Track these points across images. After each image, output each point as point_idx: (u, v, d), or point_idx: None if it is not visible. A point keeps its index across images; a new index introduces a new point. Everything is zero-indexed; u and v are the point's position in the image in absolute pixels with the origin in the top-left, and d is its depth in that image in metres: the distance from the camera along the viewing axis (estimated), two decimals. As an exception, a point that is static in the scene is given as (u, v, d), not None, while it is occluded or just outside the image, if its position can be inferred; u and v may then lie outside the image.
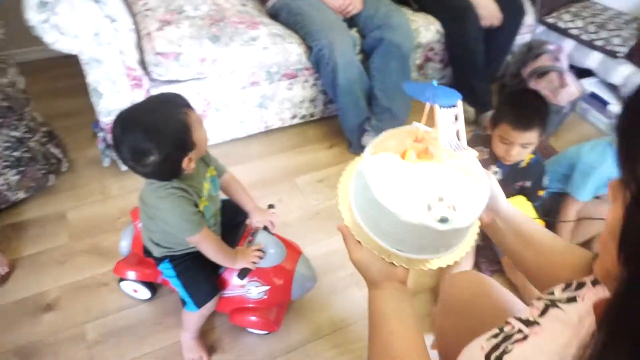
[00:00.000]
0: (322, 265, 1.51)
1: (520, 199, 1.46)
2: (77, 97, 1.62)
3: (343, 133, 1.97)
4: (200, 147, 1.02)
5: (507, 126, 1.34)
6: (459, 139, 0.63)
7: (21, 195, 1.56)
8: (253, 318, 1.27)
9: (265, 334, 1.33)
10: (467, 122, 2.18)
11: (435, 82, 0.62)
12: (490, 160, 1.46)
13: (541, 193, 1.52)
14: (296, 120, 2.03)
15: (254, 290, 1.25)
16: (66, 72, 2.07)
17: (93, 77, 1.54)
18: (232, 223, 1.32)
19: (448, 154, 0.64)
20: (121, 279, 1.35)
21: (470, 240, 0.67)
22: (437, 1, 2.05)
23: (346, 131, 1.95)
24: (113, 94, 1.57)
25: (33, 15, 1.38)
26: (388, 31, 1.82)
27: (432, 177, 0.62)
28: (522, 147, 1.37)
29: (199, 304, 1.18)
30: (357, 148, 1.98)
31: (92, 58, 1.51)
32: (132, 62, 1.57)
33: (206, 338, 1.32)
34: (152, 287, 1.37)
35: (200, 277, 1.19)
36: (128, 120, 0.95)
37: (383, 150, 0.65)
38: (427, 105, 0.62)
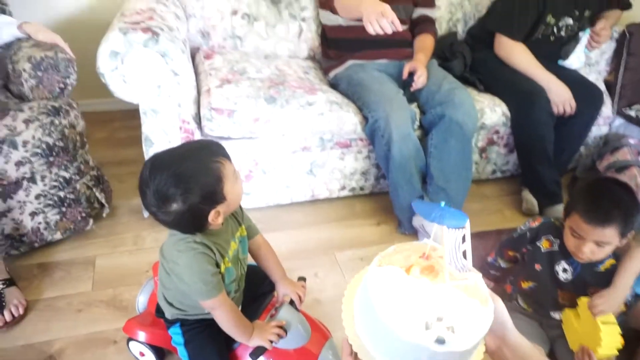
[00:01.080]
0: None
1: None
2: (133, 147, 1.65)
3: (393, 211, 1.83)
4: (231, 202, 0.94)
5: (579, 218, 1.14)
6: (465, 259, 0.63)
7: (57, 236, 1.54)
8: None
9: None
10: (529, 214, 2.02)
11: (443, 204, 0.66)
12: (560, 254, 1.24)
13: (624, 309, 1.25)
14: (345, 192, 1.93)
15: (270, 374, 1.08)
16: (128, 124, 2.15)
17: (147, 126, 1.55)
18: (257, 292, 1.19)
19: (452, 274, 0.63)
20: (130, 339, 1.23)
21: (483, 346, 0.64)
22: (504, 83, 1.96)
23: (396, 209, 1.81)
24: (164, 143, 1.57)
25: (103, 63, 1.43)
26: (450, 108, 1.73)
27: (433, 295, 0.61)
28: (596, 245, 1.15)
29: (205, 384, 1.03)
30: (406, 229, 1.82)
31: (151, 108, 1.53)
32: (187, 115, 1.58)
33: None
34: (161, 354, 1.24)
35: (210, 350, 1.04)
36: (158, 162, 0.89)
37: (389, 263, 0.65)
38: (435, 226, 0.63)
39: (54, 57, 1.48)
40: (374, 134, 1.72)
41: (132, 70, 1.45)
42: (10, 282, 1.39)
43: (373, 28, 1.54)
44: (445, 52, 2.10)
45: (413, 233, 1.83)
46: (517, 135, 1.99)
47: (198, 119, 1.61)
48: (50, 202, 1.49)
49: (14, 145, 1.35)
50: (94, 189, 1.62)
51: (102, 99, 2.20)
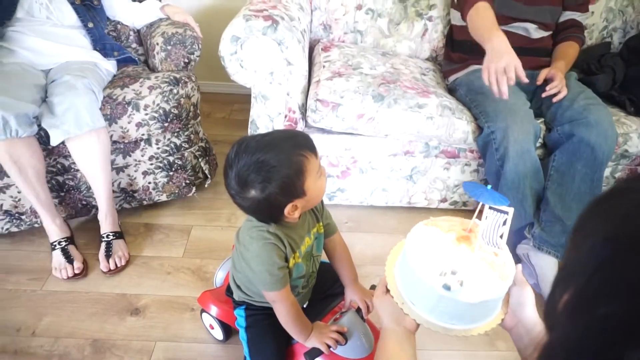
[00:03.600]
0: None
1: None
2: (246, 129, 1.73)
3: (496, 233, 1.65)
4: (311, 198, 0.90)
5: None
6: (500, 239, 0.70)
7: (163, 197, 1.67)
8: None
9: None
10: None
11: (489, 186, 0.71)
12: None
13: None
14: (445, 205, 1.79)
15: (324, 378, 1.04)
16: (246, 107, 2.24)
17: (255, 110, 1.60)
18: (328, 292, 1.15)
19: (483, 247, 0.71)
20: (203, 310, 1.28)
21: (480, 328, 0.71)
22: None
23: (501, 232, 1.63)
24: (267, 129, 1.60)
25: (225, 47, 1.50)
26: (582, 127, 1.49)
27: (458, 256, 0.71)
28: None
29: (255, 369, 1.02)
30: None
31: (261, 94, 1.57)
32: (294, 104, 1.59)
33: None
34: (228, 330, 1.27)
35: (269, 339, 1.03)
36: (244, 146, 0.89)
37: (434, 225, 0.77)
38: (478, 208, 0.71)
39: (183, 33, 1.61)
40: (488, 145, 1.55)
41: (249, 56, 1.50)
42: (119, 235, 1.54)
43: (489, 79, 1.41)
44: (591, 65, 1.82)
45: (516, 261, 1.62)
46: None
47: (304, 109, 1.61)
48: (161, 164, 1.62)
49: (137, 108, 1.49)
50: (200, 159, 1.73)
51: (226, 82, 2.35)
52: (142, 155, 1.59)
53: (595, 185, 1.52)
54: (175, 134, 1.61)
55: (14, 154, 1.30)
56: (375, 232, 1.72)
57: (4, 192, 1.45)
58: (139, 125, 1.51)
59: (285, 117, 1.59)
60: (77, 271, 1.43)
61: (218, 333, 1.28)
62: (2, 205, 1.46)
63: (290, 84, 1.56)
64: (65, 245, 1.47)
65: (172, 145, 1.62)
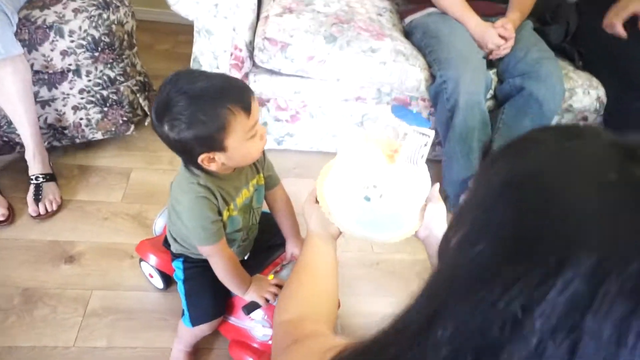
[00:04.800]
0: (358, 327, 1.26)
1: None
2: (184, 66, 1.61)
3: (442, 183, 1.67)
4: (235, 156, 0.83)
5: None
6: (421, 159, 0.73)
7: (98, 135, 1.56)
8: (250, 360, 1.07)
9: (261, 381, 1.12)
10: None
11: (415, 110, 0.71)
12: None
13: None
14: (394, 152, 1.78)
15: (260, 330, 1.05)
16: (192, 39, 2.09)
17: (198, 47, 1.48)
18: (269, 242, 1.14)
19: (405, 167, 0.74)
20: (142, 259, 1.25)
21: (397, 237, 0.77)
22: (611, 62, 1.65)
23: (446, 182, 1.65)
24: (211, 68, 1.49)
25: (164, -30, 1.35)
26: (532, 81, 1.49)
27: (382, 171, 0.73)
28: None
29: (193, 322, 1.02)
30: (453, 205, 1.67)
31: (205, 28, 1.44)
32: (240, 41, 1.48)
33: (199, 357, 1.16)
34: (168, 279, 1.25)
35: (207, 293, 1.02)
36: (177, 78, 0.79)
37: (367, 138, 0.78)
38: (403, 132, 0.74)
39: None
40: (439, 95, 1.53)
41: (191, -16, 1.36)
42: (50, 177, 1.43)
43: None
44: (546, 15, 1.79)
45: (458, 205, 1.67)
46: (610, 127, 1.70)
47: (252, 47, 1.51)
48: (93, 99, 1.49)
49: (60, 34, 1.34)
50: (138, 95, 1.60)
51: (170, 10, 2.15)
52: (71, 88, 1.45)
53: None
54: (109, 66, 1.47)
55: None
56: (324, 179, 1.70)
57: None
58: (64, 53, 1.36)
59: (232, 55, 1.49)
60: (1, 218, 1.33)
61: (158, 282, 1.26)
62: None
63: (237, 18, 1.44)
64: None
65: (105, 78, 1.48)
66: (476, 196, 0.39)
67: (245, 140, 0.81)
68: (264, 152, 1.01)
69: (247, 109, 0.79)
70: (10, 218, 1.36)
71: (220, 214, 0.90)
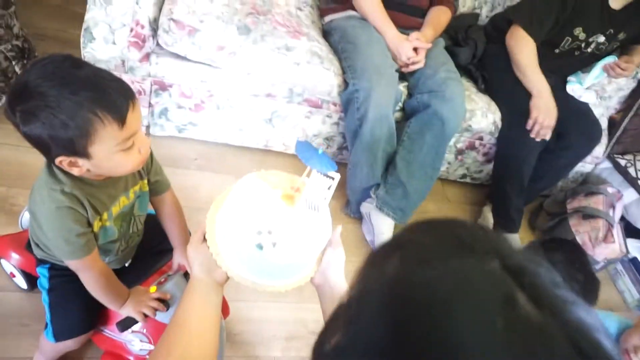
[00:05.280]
0: (250, 334, 1.23)
1: None
2: (77, 28, 1.41)
3: (344, 188, 1.69)
4: (103, 167, 0.73)
5: None
6: (323, 203, 0.71)
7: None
8: (126, 376, 0.99)
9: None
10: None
11: (321, 150, 0.69)
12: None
13: None
14: (301, 152, 1.75)
15: (137, 344, 0.97)
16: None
17: (92, 15, 1.30)
18: (156, 248, 1.05)
19: (305, 208, 0.70)
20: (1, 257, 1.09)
21: (289, 285, 0.73)
22: (506, 90, 1.77)
23: (348, 188, 1.67)
24: (106, 44, 1.33)
25: None
26: (438, 100, 1.54)
27: (278, 214, 0.69)
28: None
29: (57, 337, 0.91)
30: (353, 211, 1.69)
31: (103, -5, 1.27)
32: (143, 17, 1.33)
33: (66, 368, 1.04)
34: (34, 279, 1.10)
35: (74, 305, 0.91)
36: (50, 61, 0.67)
37: (264, 179, 0.74)
38: (308, 168, 0.69)
39: None
40: (350, 103, 1.52)
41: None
42: None
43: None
44: (459, 35, 1.87)
45: (358, 217, 1.71)
46: (500, 150, 1.84)
47: (156, 25, 1.36)
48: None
49: None
50: (14, 62, 1.38)
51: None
52: None
53: (439, 157, 1.62)
54: (-24, 28, 1.25)
55: None
56: (226, 173, 1.63)
57: None
58: None
59: (132, 30, 1.33)
60: None
61: (21, 282, 1.11)
62: None
63: (142, -9, 1.29)
64: None
65: (-30, 41, 1.25)
66: (357, 299, 0.36)
67: (115, 152, 0.71)
68: (151, 155, 0.91)
69: (121, 120, 0.68)
70: None
71: (90, 224, 0.79)
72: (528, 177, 1.79)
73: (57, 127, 0.65)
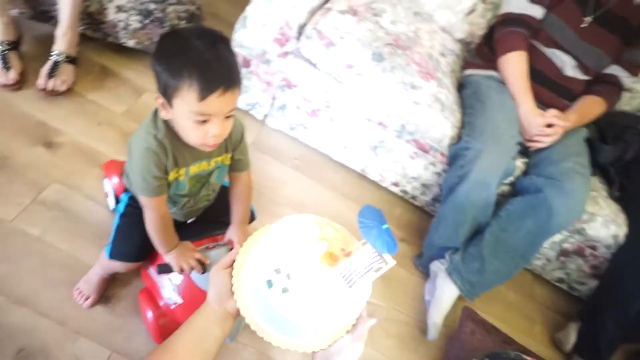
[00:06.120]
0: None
1: None
2: (239, 7, 1.58)
3: (422, 238, 1.62)
4: (176, 122, 0.83)
5: None
6: (361, 280, 0.63)
7: (131, 44, 1.58)
8: (149, 315, 1.08)
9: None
10: (558, 345, 1.62)
11: (386, 225, 0.62)
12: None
13: None
14: (394, 189, 1.74)
15: (168, 292, 1.06)
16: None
17: (252, 7, 1.47)
18: (220, 219, 1.13)
19: (339, 278, 0.64)
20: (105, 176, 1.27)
21: (288, 344, 0.67)
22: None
23: (426, 240, 1.60)
24: (256, 34, 1.48)
25: None
26: (553, 189, 1.40)
27: (308, 268, 0.63)
28: None
29: (111, 255, 1.03)
30: (422, 264, 1.62)
31: (269, -7, 1.42)
32: (294, 20, 1.46)
33: (112, 286, 1.17)
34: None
35: (134, 236, 1.02)
36: (207, 30, 0.81)
37: (320, 228, 0.68)
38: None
39: None
40: (456, 158, 1.47)
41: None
42: (72, 60, 1.45)
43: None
44: (609, 131, 1.68)
45: (424, 272, 1.63)
46: (613, 270, 1.60)
47: (302, 30, 1.48)
48: (139, 7, 1.52)
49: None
50: (182, 22, 1.61)
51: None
52: (123, -13, 1.47)
53: (533, 248, 1.47)
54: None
55: None
56: (316, 181, 1.68)
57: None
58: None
59: (280, 29, 1.47)
60: (9, 82, 1.37)
61: (111, 202, 1.28)
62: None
63: (300, -2, 1.42)
64: (6, 51, 1.39)
65: (156, -2, 1.50)
66: None
67: (187, 118, 0.80)
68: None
69: (202, 95, 0.76)
70: (19, 84, 1.40)
71: (167, 172, 0.89)
72: (636, 312, 1.52)
73: (164, 69, 0.77)
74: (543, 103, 1.53)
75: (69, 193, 1.28)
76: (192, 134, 0.82)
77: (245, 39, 1.49)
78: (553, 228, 1.44)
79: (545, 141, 1.47)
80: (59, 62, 1.42)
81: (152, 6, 1.52)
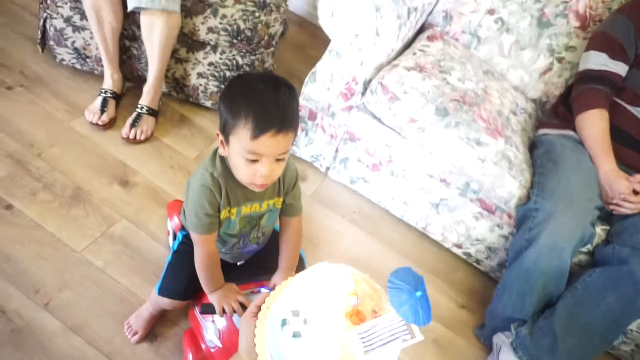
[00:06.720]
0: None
1: None
2: (310, 65, 1.67)
3: (485, 307, 1.49)
4: (230, 158, 0.85)
5: None
6: (382, 349, 0.58)
7: (208, 104, 1.74)
8: (189, 357, 1.08)
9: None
10: None
11: (420, 293, 0.56)
12: None
13: None
14: (456, 250, 1.64)
15: (210, 334, 1.05)
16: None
17: (323, 64, 1.53)
18: (270, 264, 1.13)
19: (357, 339, 0.59)
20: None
21: None
22: None
23: (489, 309, 1.47)
24: (323, 88, 1.54)
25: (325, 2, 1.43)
26: (640, 261, 1.24)
27: (328, 318, 0.61)
28: None
29: (159, 291, 1.06)
30: (483, 335, 1.48)
31: (337, 50, 1.49)
32: (360, 76, 1.50)
33: (160, 324, 1.20)
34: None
35: (184, 274, 1.05)
36: (274, 77, 0.85)
37: (356, 282, 0.64)
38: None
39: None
40: (524, 220, 1.37)
41: (343, 7, 1.41)
42: (152, 112, 1.61)
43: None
44: None
45: (486, 344, 1.48)
46: None
47: (367, 85, 1.51)
48: (216, 74, 1.65)
49: (215, 14, 1.51)
50: None
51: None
52: (204, 58, 1.62)
53: (616, 329, 1.29)
54: (241, 54, 1.62)
55: (96, 5, 1.42)
56: (374, 237, 1.64)
57: (80, 32, 1.57)
58: (209, 30, 1.54)
59: (347, 84, 1.51)
60: (101, 122, 1.54)
61: (171, 241, 1.33)
62: (75, 41, 1.60)
63: (368, 55, 1.46)
64: (108, 97, 1.58)
65: (234, 61, 1.62)
66: None
67: (239, 155, 0.82)
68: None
69: (255, 134, 0.78)
70: (108, 126, 1.57)
71: (219, 210, 0.92)
72: None
73: (226, 108, 0.82)
74: (626, 165, 1.40)
75: (135, 230, 1.36)
76: (242, 171, 0.84)
77: (313, 92, 1.55)
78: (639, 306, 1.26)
79: (629, 208, 1.33)
80: (141, 114, 1.59)
81: (228, 73, 1.66)
